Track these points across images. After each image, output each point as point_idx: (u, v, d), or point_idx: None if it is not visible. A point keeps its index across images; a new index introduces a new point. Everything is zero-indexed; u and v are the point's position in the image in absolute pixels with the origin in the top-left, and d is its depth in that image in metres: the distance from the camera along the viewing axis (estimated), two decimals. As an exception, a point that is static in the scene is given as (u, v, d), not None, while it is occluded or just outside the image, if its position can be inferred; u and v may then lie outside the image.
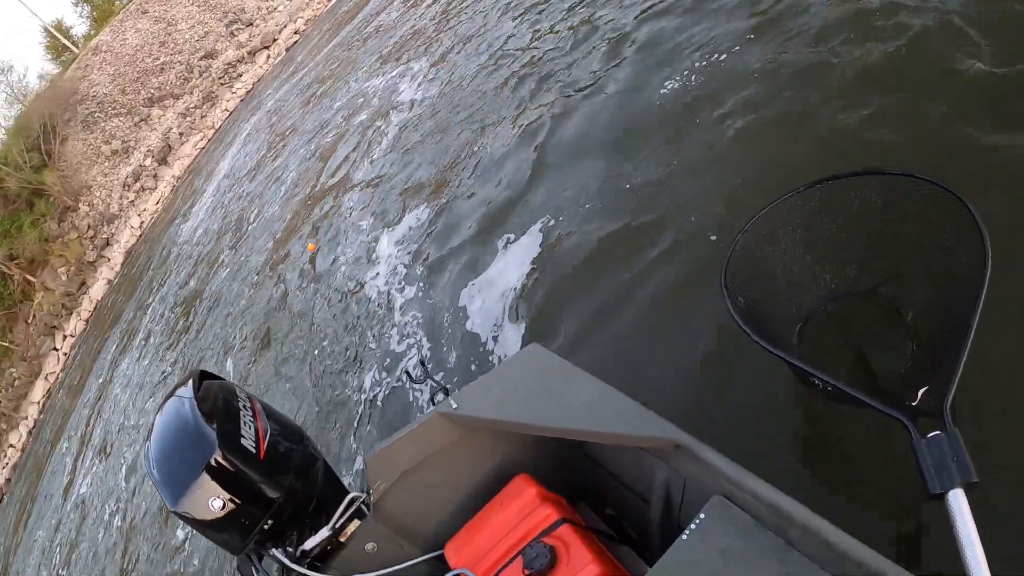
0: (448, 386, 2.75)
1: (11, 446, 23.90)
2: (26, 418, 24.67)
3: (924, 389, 1.77)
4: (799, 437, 2.43)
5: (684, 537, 1.41)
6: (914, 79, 3.08)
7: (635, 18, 5.67)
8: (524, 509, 1.85)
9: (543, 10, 7.69)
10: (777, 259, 2.25)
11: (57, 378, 24.81)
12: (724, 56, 4.24)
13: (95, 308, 26.24)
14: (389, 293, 5.38)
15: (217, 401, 2.12)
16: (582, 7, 6.80)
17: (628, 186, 4.01)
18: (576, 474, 2.25)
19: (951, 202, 1.76)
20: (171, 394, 2.20)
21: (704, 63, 4.38)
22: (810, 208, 2.17)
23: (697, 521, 1.43)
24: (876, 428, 2.13)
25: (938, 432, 1.40)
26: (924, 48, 3.16)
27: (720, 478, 1.47)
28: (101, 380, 14.81)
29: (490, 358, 3.68)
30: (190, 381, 2.18)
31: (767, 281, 2.25)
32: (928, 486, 1.35)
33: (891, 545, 1.95)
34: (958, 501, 1.29)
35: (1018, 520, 1.82)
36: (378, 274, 5.84)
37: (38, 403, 24.90)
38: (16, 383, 26.56)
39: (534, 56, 6.94)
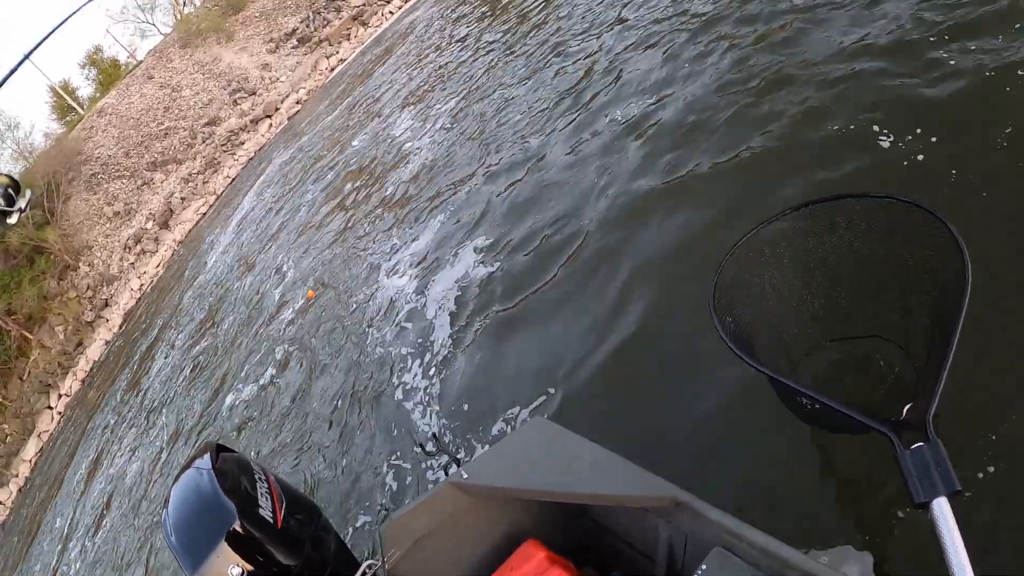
0: (460, 457, 2.82)
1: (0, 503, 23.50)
2: (16, 475, 24.29)
3: (908, 406, 1.83)
4: (781, 465, 2.50)
5: None
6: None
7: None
8: (533, 573, 1.91)
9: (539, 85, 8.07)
10: (765, 281, 2.28)
11: (51, 436, 24.51)
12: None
13: (91, 368, 26.09)
14: (402, 356, 5.48)
15: (235, 473, 2.20)
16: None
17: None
18: (582, 537, 2.31)
19: (934, 224, 1.81)
20: (188, 465, 2.28)
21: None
22: (796, 231, 2.21)
23: (699, 573, 1.51)
24: (858, 451, 2.22)
25: (921, 444, 1.45)
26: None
27: (719, 530, 1.56)
28: (96, 443, 14.67)
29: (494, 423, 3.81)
30: (207, 454, 2.26)
31: (755, 303, 2.29)
32: (913, 496, 1.40)
33: (880, 557, 2.01)
34: (942, 509, 1.34)
35: (1000, 527, 1.90)
36: (394, 336, 5.97)
37: (30, 461, 24.52)
38: (8, 439, 26.21)
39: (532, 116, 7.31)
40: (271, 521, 2.11)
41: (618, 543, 2.19)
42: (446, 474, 2.17)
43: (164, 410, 11.18)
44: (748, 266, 2.26)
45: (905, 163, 3.15)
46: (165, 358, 14.56)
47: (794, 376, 2.27)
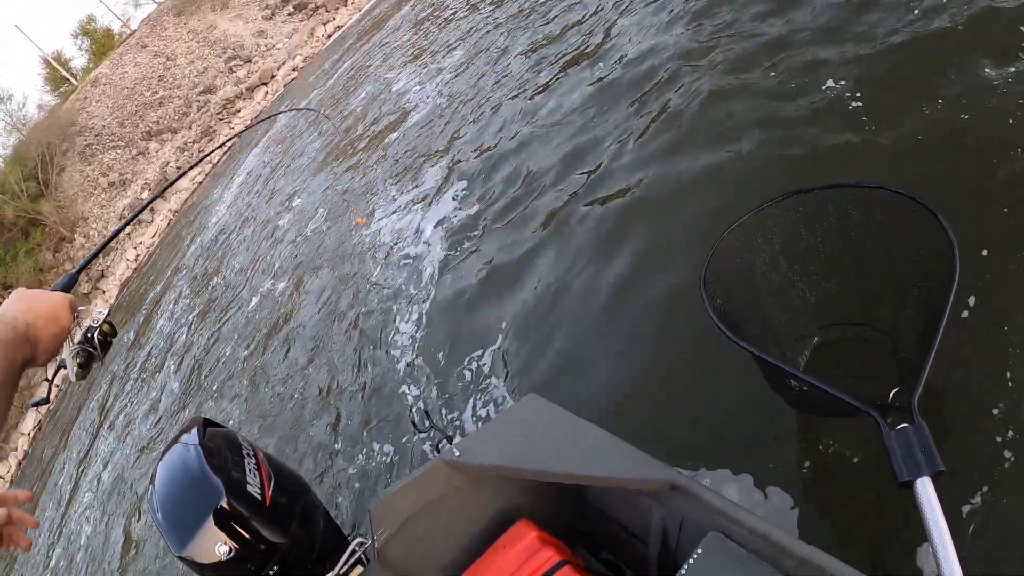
0: (451, 434, 2.80)
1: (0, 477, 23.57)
2: (16, 449, 24.35)
3: (895, 389, 1.83)
4: (767, 450, 2.48)
5: (683, 572, 1.45)
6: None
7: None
8: (525, 552, 1.88)
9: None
10: (756, 267, 2.29)
11: (48, 409, 24.55)
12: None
13: (89, 340, 26.01)
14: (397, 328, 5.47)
15: (222, 449, 2.15)
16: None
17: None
18: (575, 518, 2.28)
19: (922, 213, 1.83)
20: (175, 441, 2.23)
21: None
22: (789, 219, 2.22)
23: (694, 557, 1.48)
24: (846, 434, 2.23)
25: (906, 425, 1.47)
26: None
27: (715, 515, 1.52)
28: (94, 413, 14.71)
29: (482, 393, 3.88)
30: (195, 429, 2.21)
31: (746, 288, 2.29)
32: (897, 475, 1.42)
33: (866, 538, 2.04)
34: (925, 489, 1.36)
35: (981, 506, 1.91)
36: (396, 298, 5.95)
37: (28, 434, 24.58)
38: (6, 413, 26.21)
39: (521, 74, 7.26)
40: (259, 498, 2.07)
41: (612, 525, 2.16)
42: (437, 451, 2.12)
43: (163, 375, 11.20)
44: (739, 252, 2.26)
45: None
46: (168, 316, 14.71)
47: (783, 360, 2.27)
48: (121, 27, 49.45)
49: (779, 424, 2.49)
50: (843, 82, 3.62)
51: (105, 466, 10.61)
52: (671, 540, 1.83)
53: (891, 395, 1.81)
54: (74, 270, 1.72)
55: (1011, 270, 2.36)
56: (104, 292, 28.39)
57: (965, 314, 2.28)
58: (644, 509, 1.90)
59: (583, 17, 7.68)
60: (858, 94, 3.50)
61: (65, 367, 1.50)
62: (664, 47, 5.49)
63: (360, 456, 4.37)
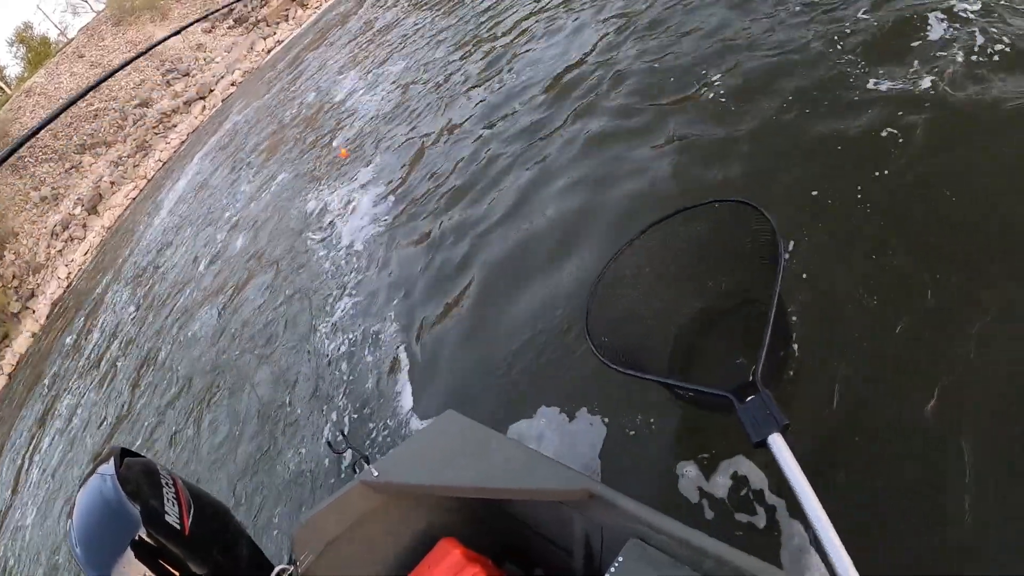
0: (367, 454, 2.80)
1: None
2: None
3: (753, 369, 2.04)
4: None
5: None
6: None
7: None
8: (450, 571, 1.88)
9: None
10: (634, 296, 2.54)
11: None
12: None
13: (18, 362, 25.03)
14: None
15: (139, 478, 2.11)
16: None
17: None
18: (500, 534, 2.28)
19: (751, 213, 2.12)
20: (92, 472, 2.18)
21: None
22: (651, 250, 2.50)
23: (615, 565, 1.50)
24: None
25: (753, 396, 1.71)
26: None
27: (633, 521, 1.56)
28: (20, 443, 14.14)
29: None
30: (111, 459, 2.17)
31: (628, 315, 2.52)
32: (752, 437, 1.64)
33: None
34: (776, 443, 1.58)
35: (823, 449, 2.22)
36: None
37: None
38: (-72, 440, 25.06)
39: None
40: (178, 528, 2.04)
41: (537, 539, 2.17)
42: (355, 472, 2.13)
43: (97, 390, 10.94)
44: (617, 290, 2.51)
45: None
46: (104, 328, 14.52)
47: (676, 372, 2.59)
48: (59, 35, 48.19)
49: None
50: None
51: (32, 498, 10.26)
52: (594, 549, 1.86)
53: (750, 376, 2.00)
54: None
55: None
56: (34, 312, 27.40)
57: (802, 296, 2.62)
58: (565, 520, 1.93)
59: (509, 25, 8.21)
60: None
61: None
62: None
63: (280, 479, 4.36)
